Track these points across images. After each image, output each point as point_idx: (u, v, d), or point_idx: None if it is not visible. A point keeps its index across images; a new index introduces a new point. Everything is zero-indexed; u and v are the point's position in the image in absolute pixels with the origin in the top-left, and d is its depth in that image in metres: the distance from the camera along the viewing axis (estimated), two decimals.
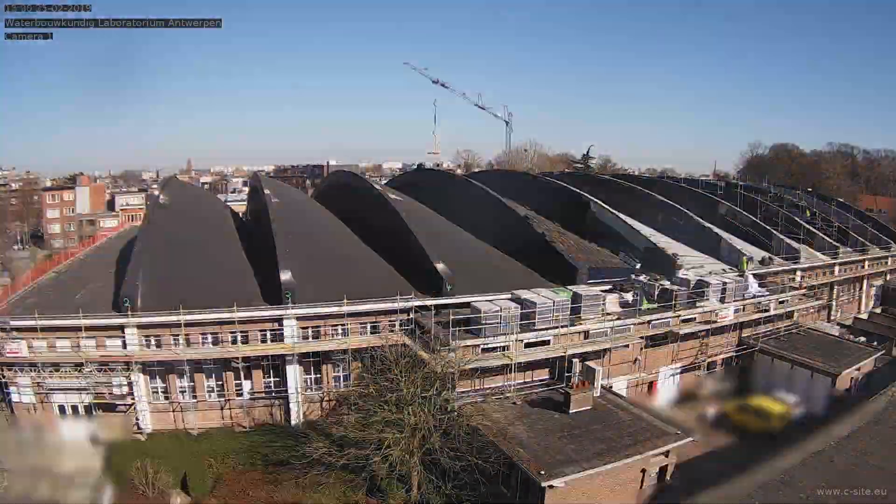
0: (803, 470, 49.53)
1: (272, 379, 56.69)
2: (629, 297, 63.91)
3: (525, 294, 58.14)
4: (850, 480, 45.48)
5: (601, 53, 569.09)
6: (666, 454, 46.71)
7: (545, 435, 46.06)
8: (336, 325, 56.50)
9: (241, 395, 56.35)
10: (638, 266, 70.95)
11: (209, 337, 54.57)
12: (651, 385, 63.08)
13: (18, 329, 52.20)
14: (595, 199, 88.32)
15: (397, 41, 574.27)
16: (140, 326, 52.97)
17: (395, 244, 69.51)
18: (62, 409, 54.52)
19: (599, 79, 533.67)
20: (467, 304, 56.07)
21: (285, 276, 55.76)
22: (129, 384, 54.02)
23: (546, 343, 55.33)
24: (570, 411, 49.42)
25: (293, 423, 55.68)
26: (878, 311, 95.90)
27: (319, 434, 43.56)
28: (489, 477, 43.32)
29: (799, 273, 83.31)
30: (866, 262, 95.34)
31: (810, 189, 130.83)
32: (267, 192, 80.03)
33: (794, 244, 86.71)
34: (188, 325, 53.29)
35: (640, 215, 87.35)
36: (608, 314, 59.90)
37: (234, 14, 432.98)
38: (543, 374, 55.32)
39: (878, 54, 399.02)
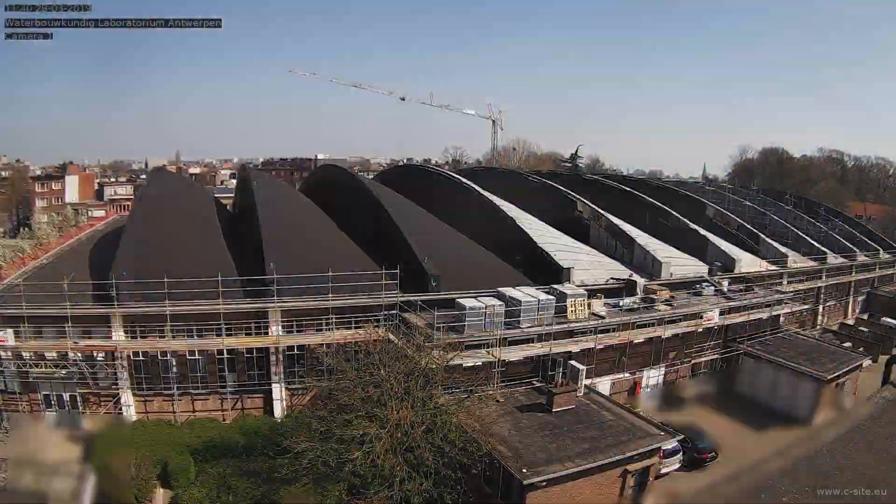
0: (789, 475, 49.95)
1: (256, 371, 56.61)
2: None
3: (510, 292, 58.31)
4: (833, 484, 45.84)
5: (595, 51, 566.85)
6: (649, 454, 46.86)
7: (528, 433, 46.11)
8: (321, 319, 56.52)
9: (224, 386, 56.26)
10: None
11: (194, 328, 54.52)
12: (635, 386, 63.25)
13: (4, 318, 52.11)
14: (582, 199, 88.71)
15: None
16: (126, 317, 52.94)
17: (381, 240, 69.65)
18: (47, 398, 54.36)
19: (593, 76, 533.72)
20: (452, 301, 56.20)
21: (271, 269, 55.77)
22: (115, 374, 53.91)
23: (530, 341, 55.48)
24: (554, 410, 49.52)
25: (276, 415, 55.71)
26: (865, 317, 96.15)
27: (301, 427, 43.35)
28: (471, 475, 43.37)
29: (786, 277, 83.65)
30: (854, 269, 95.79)
31: (799, 195, 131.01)
32: (255, 184, 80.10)
33: (782, 248, 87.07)
34: (173, 316, 53.33)
35: (626, 216, 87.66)
36: (593, 314, 60.23)
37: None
38: (527, 372, 55.33)
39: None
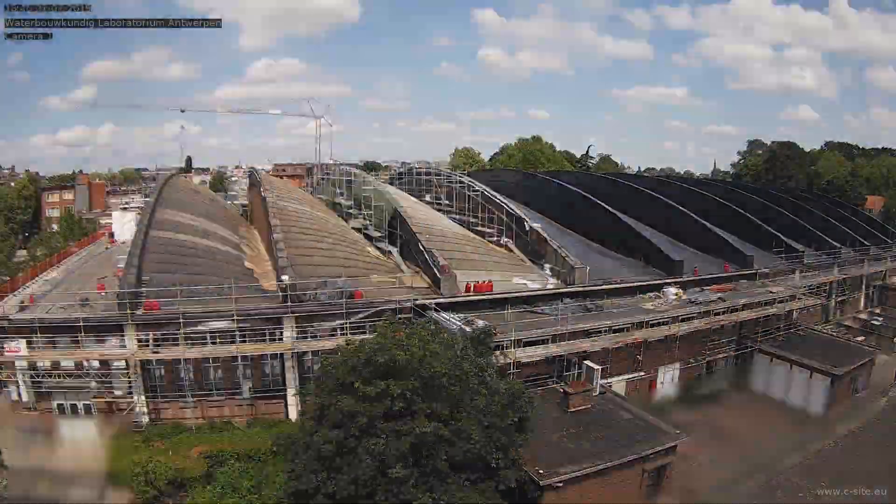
0: (803, 470, 49.78)
1: (271, 377, 56.52)
2: None
3: (524, 293, 58.17)
4: (848, 480, 45.67)
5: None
6: (665, 453, 46.68)
7: (544, 434, 45.83)
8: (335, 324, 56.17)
9: (239, 392, 56.18)
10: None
11: (208, 335, 54.30)
12: (650, 384, 63.03)
13: (18, 327, 51.94)
14: (595, 199, 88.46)
15: None
16: (139, 325, 52.82)
17: (397, 242, 69.75)
18: (61, 407, 54.35)
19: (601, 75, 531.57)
20: (465, 303, 56.02)
21: (285, 276, 55.65)
22: (129, 383, 53.80)
23: (545, 342, 55.30)
24: (570, 410, 49.40)
25: (292, 419, 55.39)
26: (878, 310, 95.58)
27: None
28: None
29: (798, 272, 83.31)
30: (865, 262, 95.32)
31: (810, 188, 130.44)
32: (266, 188, 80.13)
33: (795, 244, 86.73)
34: (187, 323, 53.21)
35: (639, 215, 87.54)
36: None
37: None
38: (543, 372, 55.13)
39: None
